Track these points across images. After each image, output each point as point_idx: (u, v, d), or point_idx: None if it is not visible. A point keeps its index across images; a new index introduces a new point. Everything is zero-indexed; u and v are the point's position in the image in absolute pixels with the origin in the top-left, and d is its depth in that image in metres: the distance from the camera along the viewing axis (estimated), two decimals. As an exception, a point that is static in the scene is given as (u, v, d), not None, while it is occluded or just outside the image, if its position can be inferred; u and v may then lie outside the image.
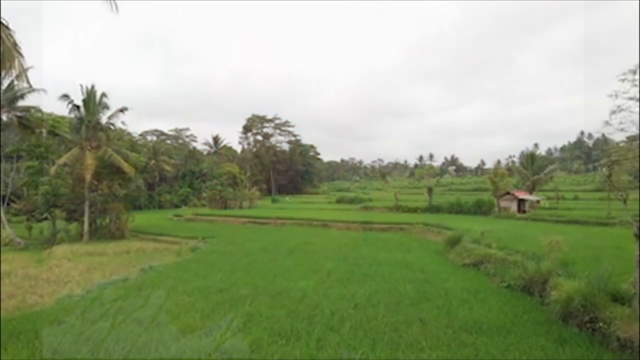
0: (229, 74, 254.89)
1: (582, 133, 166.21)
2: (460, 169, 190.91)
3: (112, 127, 32.67)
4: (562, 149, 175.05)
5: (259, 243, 25.61)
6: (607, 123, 13.88)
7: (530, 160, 43.50)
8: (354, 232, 32.53)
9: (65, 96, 29.73)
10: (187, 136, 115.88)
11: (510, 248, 17.39)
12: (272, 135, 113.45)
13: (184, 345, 8.67)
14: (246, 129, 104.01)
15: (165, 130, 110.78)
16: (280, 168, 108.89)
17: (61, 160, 29.05)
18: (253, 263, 18.88)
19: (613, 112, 13.74)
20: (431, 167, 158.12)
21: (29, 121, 32.70)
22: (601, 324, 9.21)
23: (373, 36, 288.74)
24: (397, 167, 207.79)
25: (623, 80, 13.25)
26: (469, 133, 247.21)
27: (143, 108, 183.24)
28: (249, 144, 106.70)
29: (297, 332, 9.41)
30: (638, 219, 10.54)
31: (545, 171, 43.36)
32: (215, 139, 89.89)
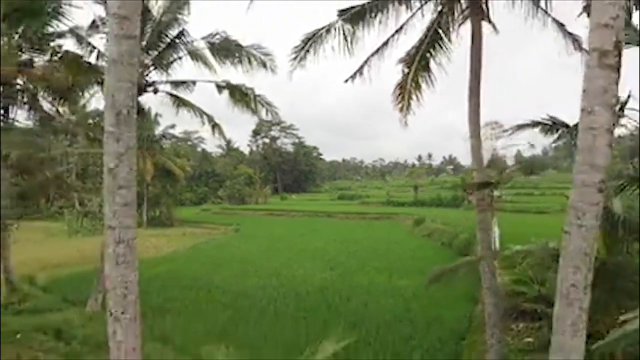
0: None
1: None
2: (458, 168, 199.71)
3: (164, 138, 42.07)
4: (557, 148, 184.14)
5: (280, 227, 34.84)
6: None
7: (496, 162, 52.62)
8: (351, 220, 41.68)
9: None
10: (195, 138, 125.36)
11: (451, 224, 26.56)
12: (278, 137, 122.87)
13: (263, 263, 17.96)
14: (255, 132, 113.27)
15: (176, 133, 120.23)
16: (286, 168, 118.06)
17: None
18: (281, 236, 28.14)
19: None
20: (430, 166, 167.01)
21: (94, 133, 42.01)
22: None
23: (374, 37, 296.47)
24: (397, 167, 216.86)
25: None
26: (468, 133, 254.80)
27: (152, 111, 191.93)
28: (257, 146, 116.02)
29: (316, 258, 18.73)
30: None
31: (507, 171, 52.50)
32: (228, 142, 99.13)
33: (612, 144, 3.29)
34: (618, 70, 3.22)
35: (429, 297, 12.08)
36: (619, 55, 3.21)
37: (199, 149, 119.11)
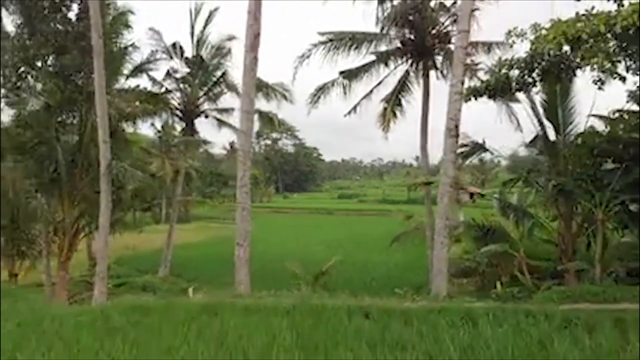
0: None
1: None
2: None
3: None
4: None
5: (287, 222, 39.41)
6: None
7: (481, 163, 57.33)
8: (350, 217, 46.28)
9: (152, 124, 43.62)
10: (196, 140, 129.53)
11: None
12: (279, 139, 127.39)
13: (276, 248, 22.52)
14: (257, 134, 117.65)
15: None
16: (287, 169, 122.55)
17: (151, 168, 42.88)
18: (288, 229, 32.71)
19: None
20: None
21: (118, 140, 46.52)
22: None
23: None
24: (395, 166, 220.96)
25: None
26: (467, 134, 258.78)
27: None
28: (259, 147, 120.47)
29: (321, 243, 23.29)
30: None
31: (492, 172, 57.33)
32: (232, 144, 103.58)
33: (456, 166, 7.84)
34: (457, 136, 7.74)
35: (404, 266, 16.70)
36: (457, 130, 7.73)
37: (201, 150, 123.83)
